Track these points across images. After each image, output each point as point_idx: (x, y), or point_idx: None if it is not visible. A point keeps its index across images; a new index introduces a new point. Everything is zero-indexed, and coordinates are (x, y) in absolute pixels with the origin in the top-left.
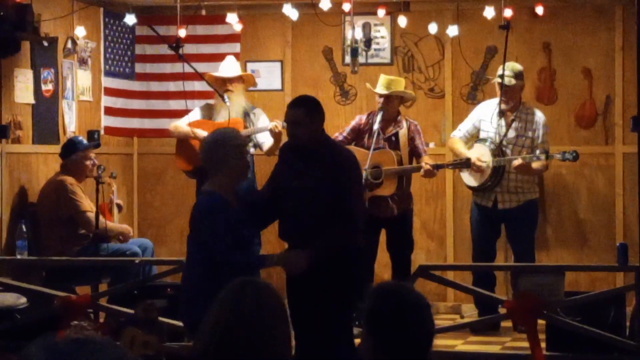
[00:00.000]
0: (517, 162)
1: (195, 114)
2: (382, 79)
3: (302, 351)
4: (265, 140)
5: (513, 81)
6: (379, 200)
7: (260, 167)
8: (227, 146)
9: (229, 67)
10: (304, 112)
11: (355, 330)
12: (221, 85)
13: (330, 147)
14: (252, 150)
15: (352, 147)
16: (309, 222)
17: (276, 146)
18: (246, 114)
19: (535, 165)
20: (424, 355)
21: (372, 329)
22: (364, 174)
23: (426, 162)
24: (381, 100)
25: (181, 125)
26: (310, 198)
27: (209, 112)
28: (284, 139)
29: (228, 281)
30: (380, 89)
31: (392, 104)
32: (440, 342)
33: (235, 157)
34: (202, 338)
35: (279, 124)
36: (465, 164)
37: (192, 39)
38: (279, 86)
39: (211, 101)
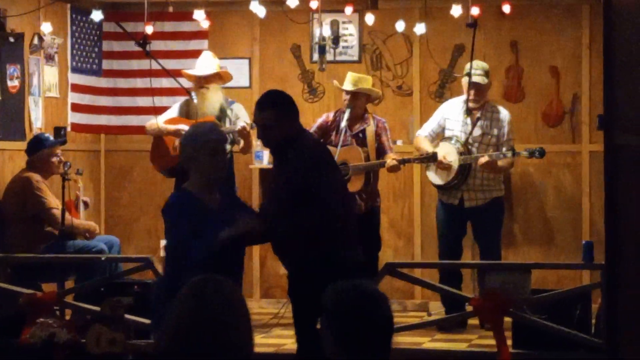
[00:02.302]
0: (484, 159)
1: (173, 111)
2: (349, 76)
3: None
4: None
5: (486, 80)
6: None
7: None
8: (197, 143)
9: (205, 64)
10: (273, 116)
11: None
12: (197, 82)
13: (299, 145)
14: (228, 147)
15: None
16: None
17: (247, 146)
18: (223, 111)
19: (501, 163)
20: (385, 350)
21: (333, 327)
22: None
23: (392, 157)
24: (348, 97)
25: (154, 122)
26: (279, 200)
27: (186, 108)
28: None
29: (182, 277)
30: (347, 86)
31: (359, 101)
32: (407, 340)
33: (204, 154)
34: (166, 336)
35: (247, 125)
36: (432, 158)
37: (159, 35)
38: (246, 83)
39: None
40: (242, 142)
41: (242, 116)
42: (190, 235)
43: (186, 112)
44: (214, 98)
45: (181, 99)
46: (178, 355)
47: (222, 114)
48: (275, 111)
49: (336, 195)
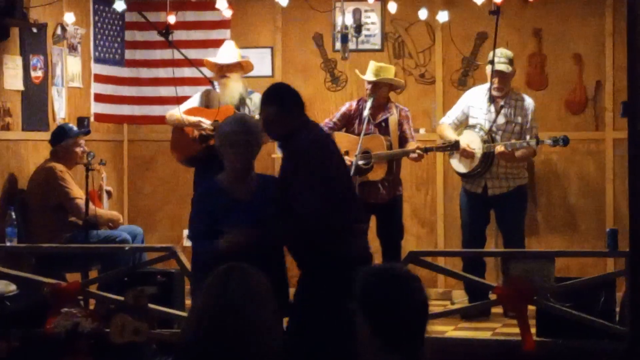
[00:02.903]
0: (500, 148)
1: (194, 101)
2: (372, 65)
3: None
4: None
5: (510, 68)
6: (369, 186)
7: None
8: (220, 135)
9: (227, 54)
10: (277, 110)
11: None
12: (218, 71)
13: (300, 139)
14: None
15: (342, 133)
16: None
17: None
18: (242, 100)
19: (519, 153)
20: (421, 329)
21: (367, 312)
22: (354, 159)
23: (415, 146)
24: (370, 86)
25: (175, 113)
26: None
27: (207, 98)
28: None
29: (200, 267)
30: (369, 76)
31: (381, 90)
32: (431, 328)
33: (224, 146)
34: (189, 326)
35: None
36: (454, 146)
37: (182, 25)
38: (269, 72)
39: (211, 87)
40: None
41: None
42: (206, 232)
43: (206, 101)
44: (234, 87)
45: (203, 88)
46: (201, 346)
47: (241, 104)
48: (278, 106)
49: (327, 194)
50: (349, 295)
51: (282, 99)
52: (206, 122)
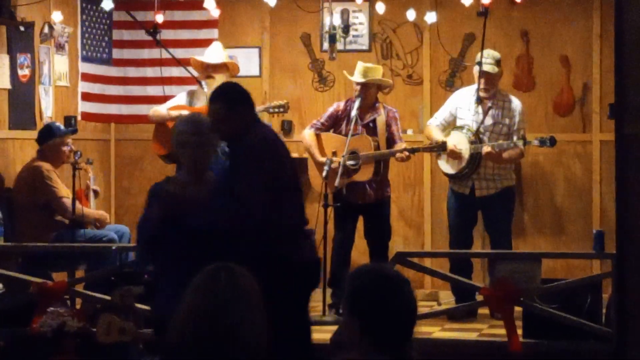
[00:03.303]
0: (487, 149)
1: (179, 99)
2: (360, 66)
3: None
4: None
5: (497, 69)
6: (357, 186)
7: None
8: (173, 135)
9: (213, 54)
10: (223, 109)
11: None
12: (204, 71)
13: (245, 141)
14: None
15: (330, 134)
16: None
17: None
18: None
19: (506, 154)
20: (409, 330)
21: (355, 311)
22: (341, 160)
23: (402, 147)
24: (358, 87)
25: (160, 108)
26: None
27: (191, 97)
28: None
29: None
30: (358, 77)
31: (369, 91)
32: (417, 329)
33: (177, 147)
34: (177, 326)
35: None
36: (442, 147)
37: (169, 24)
38: (257, 72)
39: (195, 87)
40: None
41: None
42: (154, 236)
43: (191, 100)
44: None
45: (191, 87)
46: (189, 346)
47: None
48: (224, 104)
49: (262, 197)
50: (296, 299)
51: (228, 98)
52: None
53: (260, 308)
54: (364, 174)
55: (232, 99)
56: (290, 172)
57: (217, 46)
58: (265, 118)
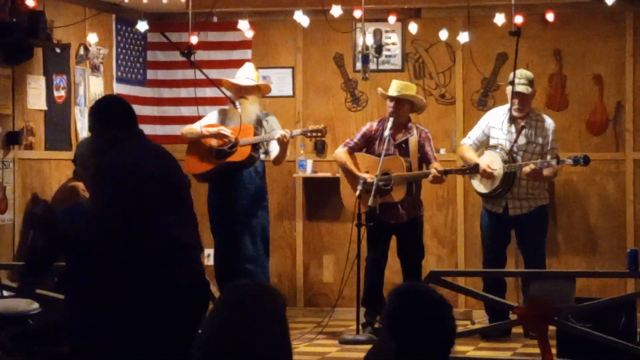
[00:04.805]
0: (529, 168)
1: (211, 118)
2: (394, 83)
3: None
4: (273, 149)
5: (530, 89)
6: (389, 206)
7: (271, 175)
8: (76, 158)
9: (245, 76)
10: (90, 123)
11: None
12: (237, 92)
13: (101, 158)
14: (262, 156)
15: (363, 154)
16: None
17: (282, 155)
18: (259, 121)
19: (546, 172)
20: (446, 353)
21: (394, 331)
22: (374, 180)
23: (435, 167)
24: (392, 104)
25: (194, 126)
26: None
27: (223, 116)
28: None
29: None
30: (392, 92)
31: (403, 108)
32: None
33: (80, 169)
34: (200, 344)
35: (287, 133)
36: (474, 169)
37: (203, 45)
38: (290, 92)
39: (227, 107)
40: (274, 152)
41: (276, 128)
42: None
43: (223, 119)
44: (251, 109)
45: (218, 107)
46: None
47: (258, 125)
48: (90, 119)
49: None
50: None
51: (91, 111)
52: (227, 130)
53: (283, 325)
54: (397, 195)
55: (93, 113)
56: (137, 196)
57: (248, 67)
58: (299, 139)
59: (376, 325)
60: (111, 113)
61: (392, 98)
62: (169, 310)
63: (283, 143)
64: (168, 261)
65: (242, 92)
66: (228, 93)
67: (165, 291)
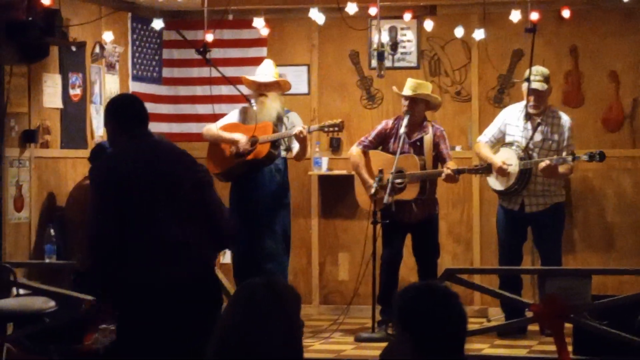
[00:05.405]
0: (544, 163)
1: (232, 117)
2: (409, 82)
3: None
4: (295, 146)
5: (545, 86)
6: (403, 205)
7: (292, 171)
8: None
9: (265, 72)
10: (105, 121)
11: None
12: (256, 89)
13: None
14: (283, 153)
15: (378, 152)
16: None
17: (303, 151)
18: (279, 118)
19: (561, 168)
20: (460, 346)
21: (406, 327)
22: (389, 178)
23: (448, 166)
24: (407, 103)
25: (212, 128)
26: None
27: (244, 115)
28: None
29: None
30: (406, 91)
31: (418, 107)
32: (467, 346)
33: None
34: (214, 340)
35: (304, 129)
36: (487, 169)
37: (219, 43)
38: (305, 90)
39: (248, 105)
40: (296, 148)
41: (297, 124)
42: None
43: (244, 118)
44: (272, 106)
45: (240, 106)
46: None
47: (278, 122)
48: (105, 117)
49: (101, 216)
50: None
51: (105, 111)
52: (242, 140)
53: (294, 324)
54: (410, 193)
55: (106, 112)
56: (130, 192)
57: (268, 64)
58: (314, 136)
59: (389, 331)
60: (117, 113)
61: (406, 97)
62: (163, 310)
63: (301, 139)
64: (159, 261)
65: (261, 89)
66: (245, 91)
67: (156, 291)
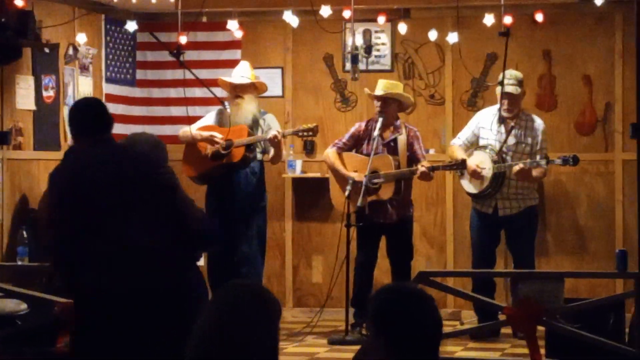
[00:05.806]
0: (518, 167)
1: (208, 119)
2: (380, 82)
3: None
4: (270, 149)
5: (519, 89)
6: (378, 205)
7: (267, 173)
8: None
9: (241, 74)
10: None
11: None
12: (232, 91)
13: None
14: (259, 156)
15: (351, 154)
16: None
17: (277, 155)
18: (255, 121)
19: (535, 172)
20: (435, 348)
21: (380, 328)
22: (363, 179)
23: (422, 164)
24: (379, 104)
25: (187, 129)
26: None
27: (221, 117)
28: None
29: None
30: (378, 91)
31: (390, 107)
32: (440, 349)
33: None
34: (191, 343)
35: (279, 133)
36: (461, 165)
37: (193, 45)
38: (279, 93)
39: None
40: (272, 151)
41: (274, 126)
42: None
43: (220, 120)
44: (248, 108)
45: (214, 108)
46: None
47: (254, 124)
48: (68, 121)
49: (56, 222)
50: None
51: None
52: (218, 136)
53: (275, 327)
54: (385, 193)
55: (68, 117)
56: (78, 199)
57: (244, 66)
58: (288, 139)
59: (363, 332)
60: (77, 117)
61: (378, 97)
62: (123, 317)
63: (275, 143)
64: (119, 266)
65: (237, 90)
66: (219, 93)
67: (115, 297)
